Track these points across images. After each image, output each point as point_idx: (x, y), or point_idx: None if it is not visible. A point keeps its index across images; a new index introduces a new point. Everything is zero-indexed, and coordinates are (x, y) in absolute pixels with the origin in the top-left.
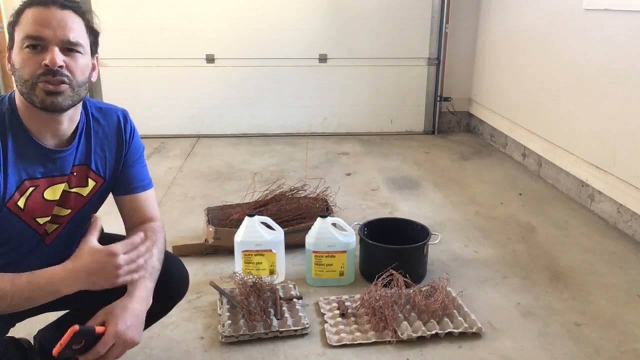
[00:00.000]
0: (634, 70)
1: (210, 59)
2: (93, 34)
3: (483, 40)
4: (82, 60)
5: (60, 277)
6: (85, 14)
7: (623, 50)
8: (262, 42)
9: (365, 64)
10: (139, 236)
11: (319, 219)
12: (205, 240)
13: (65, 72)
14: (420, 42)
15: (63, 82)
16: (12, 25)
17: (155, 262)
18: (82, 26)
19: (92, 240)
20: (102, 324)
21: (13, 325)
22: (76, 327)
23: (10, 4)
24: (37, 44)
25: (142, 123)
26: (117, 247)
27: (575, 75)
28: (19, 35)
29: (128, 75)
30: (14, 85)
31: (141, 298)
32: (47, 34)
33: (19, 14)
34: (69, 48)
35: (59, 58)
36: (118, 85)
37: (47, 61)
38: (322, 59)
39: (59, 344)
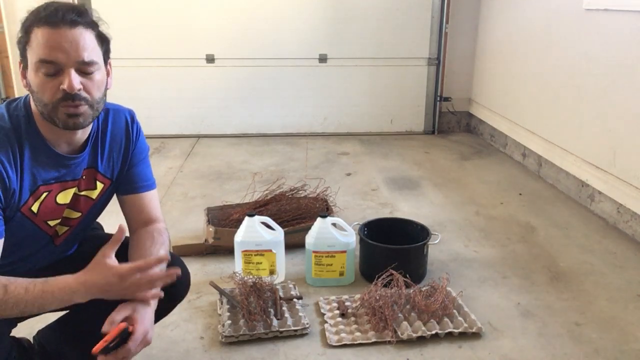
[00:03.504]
0: (634, 70)
1: (210, 59)
2: (105, 42)
3: (483, 40)
4: (98, 76)
5: (73, 289)
6: (94, 25)
7: (623, 50)
8: (262, 42)
9: (365, 64)
10: (154, 258)
11: (319, 219)
12: (205, 240)
13: (83, 94)
14: (420, 42)
15: (82, 104)
16: (23, 44)
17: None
18: (93, 39)
19: (109, 254)
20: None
21: (15, 326)
22: (123, 325)
23: (10, 5)
24: (52, 69)
25: (142, 123)
26: (126, 271)
27: (575, 75)
28: (32, 57)
29: (128, 75)
30: (31, 100)
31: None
32: (61, 58)
33: (27, 32)
34: (84, 68)
35: (76, 82)
36: (118, 85)
37: (65, 86)
38: (322, 59)
39: (103, 340)
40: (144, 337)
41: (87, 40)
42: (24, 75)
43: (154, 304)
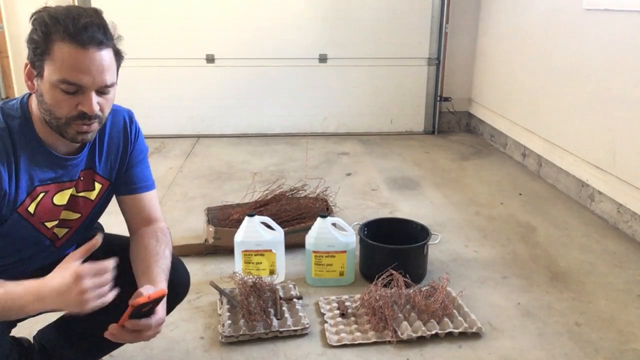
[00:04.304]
0: (634, 70)
1: (210, 59)
2: (119, 59)
3: (483, 40)
4: (112, 95)
5: (34, 290)
6: (115, 44)
7: (623, 50)
8: (262, 42)
9: (365, 64)
10: (113, 260)
11: (319, 219)
12: (205, 240)
13: (99, 112)
14: (420, 42)
15: (95, 122)
16: (41, 51)
17: (169, 263)
18: (113, 59)
19: (73, 258)
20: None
21: (15, 326)
22: (164, 292)
23: (10, 5)
24: (73, 89)
25: (142, 123)
26: (84, 269)
27: (575, 75)
28: (52, 71)
29: (128, 75)
30: (35, 104)
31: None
32: (86, 82)
33: (48, 39)
34: (104, 90)
35: (96, 105)
36: (118, 85)
37: (85, 109)
38: (322, 59)
39: (147, 295)
40: (162, 322)
41: (110, 63)
42: (30, 77)
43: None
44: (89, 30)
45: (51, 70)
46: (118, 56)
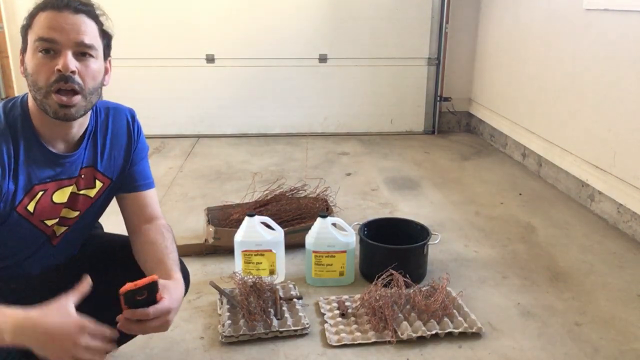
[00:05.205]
0: (634, 71)
1: (210, 59)
2: (106, 37)
3: (483, 40)
4: (94, 66)
5: (17, 321)
6: (98, 17)
7: (623, 50)
8: (262, 42)
9: (365, 64)
10: (113, 332)
11: (319, 219)
12: (205, 240)
13: (77, 79)
14: (420, 42)
15: (75, 93)
16: (25, 28)
17: (177, 256)
18: (95, 29)
19: (69, 301)
20: None
21: None
22: (155, 277)
23: (10, 4)
24: (49, 48)
25: (142, 123)
26: (89, 325)
27: (575, 75)
28: (31, 38)
29: (128, 75)
30: (28, 89)
31: (182, 289)
32: (59, 38)
33: (31, 17)
34: (82, 52)
35: (72, 63)
36: (118, 85)
37: (59, 66)
38: (322, 59)
39: (133, 283)
40: (167, 312)
41: (88, 27)
42: (22, 61)
43: (182, 286)
44: (65, 0)
45: (31, 37)
46: (103, 33)
